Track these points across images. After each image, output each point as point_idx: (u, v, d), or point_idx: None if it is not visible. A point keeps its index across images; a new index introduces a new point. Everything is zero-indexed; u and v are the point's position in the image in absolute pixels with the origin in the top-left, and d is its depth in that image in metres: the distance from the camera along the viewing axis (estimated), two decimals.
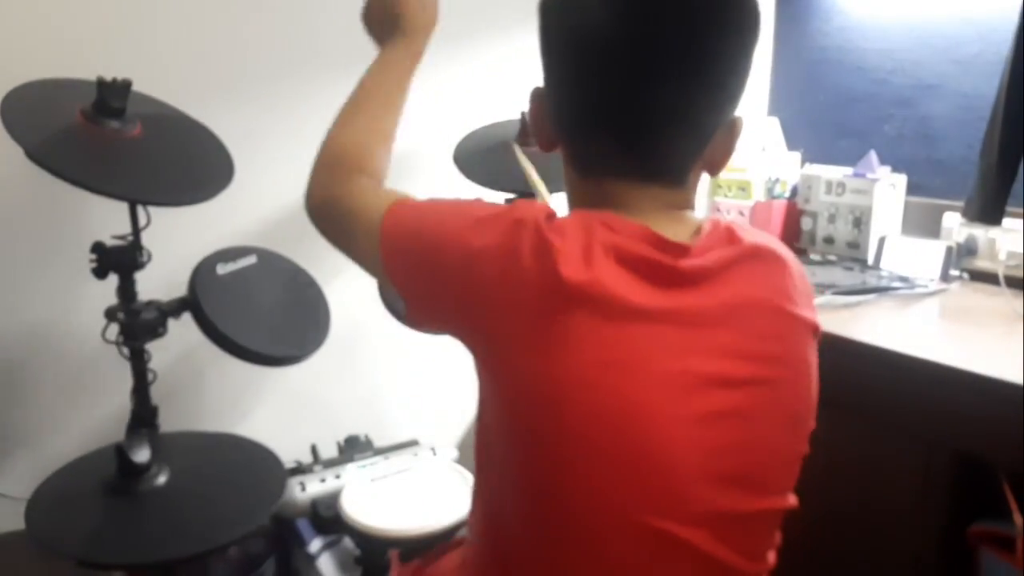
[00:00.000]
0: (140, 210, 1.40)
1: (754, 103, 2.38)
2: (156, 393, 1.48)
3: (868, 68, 2.11)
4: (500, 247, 0.71)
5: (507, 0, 1.93)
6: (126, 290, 1.40)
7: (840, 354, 1.19)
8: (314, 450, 1.85)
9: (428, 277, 0.77)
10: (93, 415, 1.69)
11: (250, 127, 1.71)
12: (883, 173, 1.92)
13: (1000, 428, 1.18)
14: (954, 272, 1.75)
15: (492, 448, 0.79)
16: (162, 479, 1.39)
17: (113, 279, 1.39)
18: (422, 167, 2.01)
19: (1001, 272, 1.63)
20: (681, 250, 0.74)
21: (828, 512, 1.29)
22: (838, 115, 2.19)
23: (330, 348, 1.56)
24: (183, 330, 1.43)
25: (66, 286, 1.62)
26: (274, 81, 1.79)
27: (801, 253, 2.08)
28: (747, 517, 0.80)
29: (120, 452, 1.36)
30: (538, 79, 0.83)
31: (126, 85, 1.34)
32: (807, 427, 0.84)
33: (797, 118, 2.26)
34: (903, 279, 1.72)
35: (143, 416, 1.46)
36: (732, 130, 0.79)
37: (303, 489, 1.71)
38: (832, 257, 1.98)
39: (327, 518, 1.65)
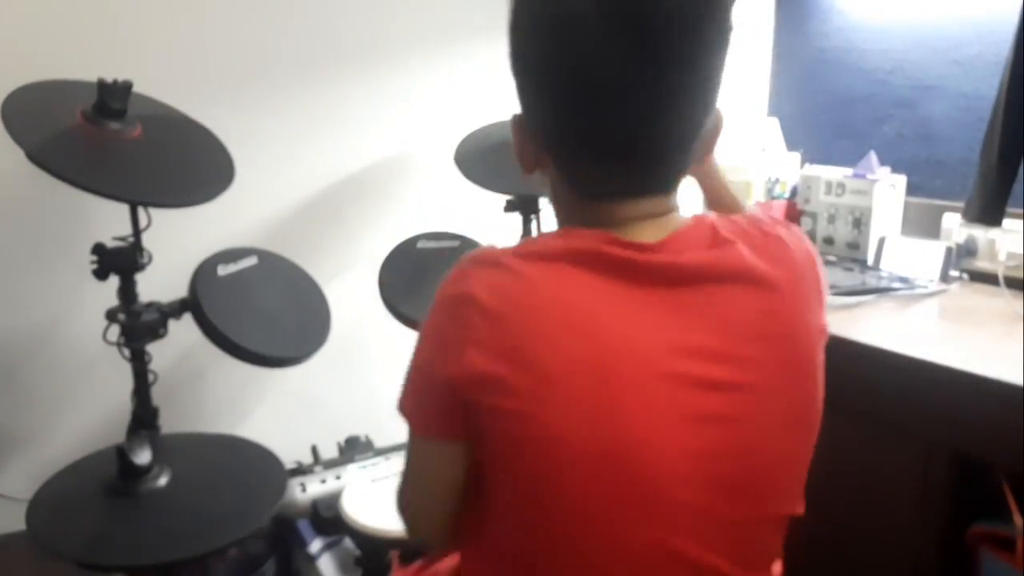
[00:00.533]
0: (141, 211, 1.40)
1: (754, 103, 2.39)
2: (157, 394, 1.48)
3: (868, 69, 2.11)
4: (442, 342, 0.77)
5: (507, 1, 1.93)
6: (127, 291, 1.40)
7: (840, 355, 1.18)
8: (314, 451, 1.85)
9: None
10: (94, 416, 1.69)
11: (250, 128, 1.71)
12: (883, 174, 1.92)
13: (1000, 429, 1.18)
14: (954, 273, 1.75)
15: (480, 459, 0.80)
16: (163, 480, 1.40)
17: (114, 280, 1.39)
18: (422, 168, 2.02)
19: (1001, 273, 1.63)
20: (647, 248, 0.75)
21: (828, 513, 1.29)
22: (838, 115, 2.19)
23: (330, 349, 1.56)
24: (184, 331, 1.44)
25: (67, 288, 1.63)
26: (275, 82, 1.80)
27: None
28: (745, 524, 0.79)
29: (121, 453, 1.36)
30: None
31: (127, 86, 1.34)
32: (811, 431, 0.83)
33: (797, 118, 2.26)
34: (903, 280, 1.72)
35: (144, 417, 1.46)
36: (715, 124, 0.80)
37: (303, 490, 1.71)
38: (832, 258, 1.98)
39: (327, 519, 1.65)
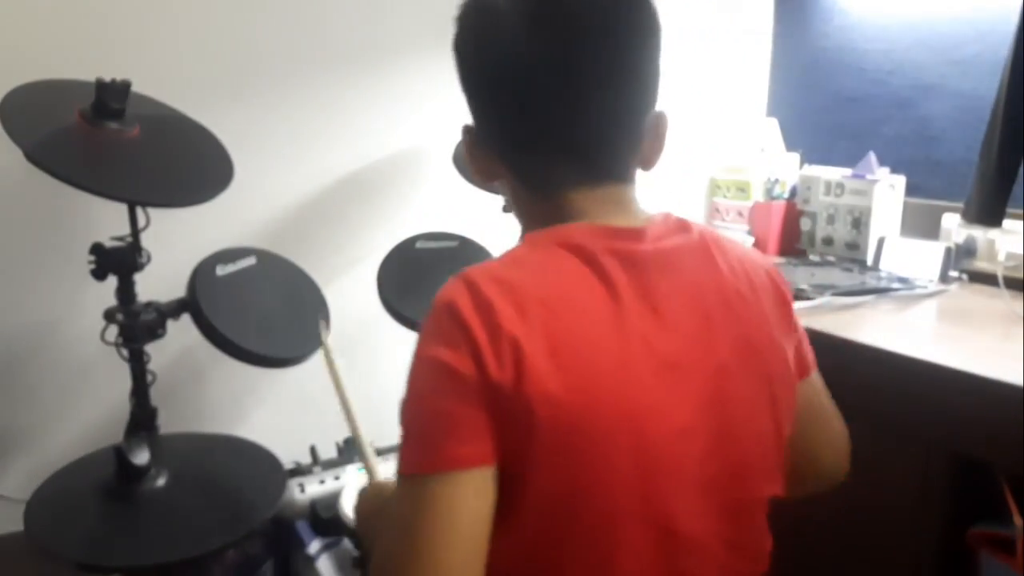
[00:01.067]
0: (139, 211, 1.40)
1: (753, 103, 2.39)
2: (155, 395, 1.48)
3: (867, 69, 2.11)
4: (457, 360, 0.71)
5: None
6: (125, 291, 1.39)
7: (839, 355, 1.19)
8: (313, 451, 1.84)
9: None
10: (92, 417, 1.69)
11: (249, 128, 1.71)
12: (882, 174, 1.92)
13: (999, 430, 1.18)
14: (953, 273, 1.76)
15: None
16: (161, 481, 1.39)
17: (112, 280, 1.39)
18: (421, 168, 2.01)
19: (1000, 273, 1.63)
20: (636, 234, 0.78)
21: (827, 514, 1.29)
22: (837, 116, 2.19)
23: None
24: (182, 331, 1.43)
25: (65, 288, 1.62)
26: (274, 82, 1.79)
27: (800, 254, 2.08)
28: (739, 505, 0.81)
29: (119, 454, 1.36)
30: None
31: (125, 86, 1.34)
32: (788, 408, 0.86)
33: (796, 119, 2.26)
34: (902, 280, 1.72)
35: (142, 418, 1.46)
36: (658, 125, 0.84)
37: (302, 490, 1.71)
38: (831, 258, 1.98)
39: (326, 519, 1.65)
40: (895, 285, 1.69)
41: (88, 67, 1.36)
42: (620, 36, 0.77)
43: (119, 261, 1.38)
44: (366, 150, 1.94)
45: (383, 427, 1.93)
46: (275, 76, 1.80)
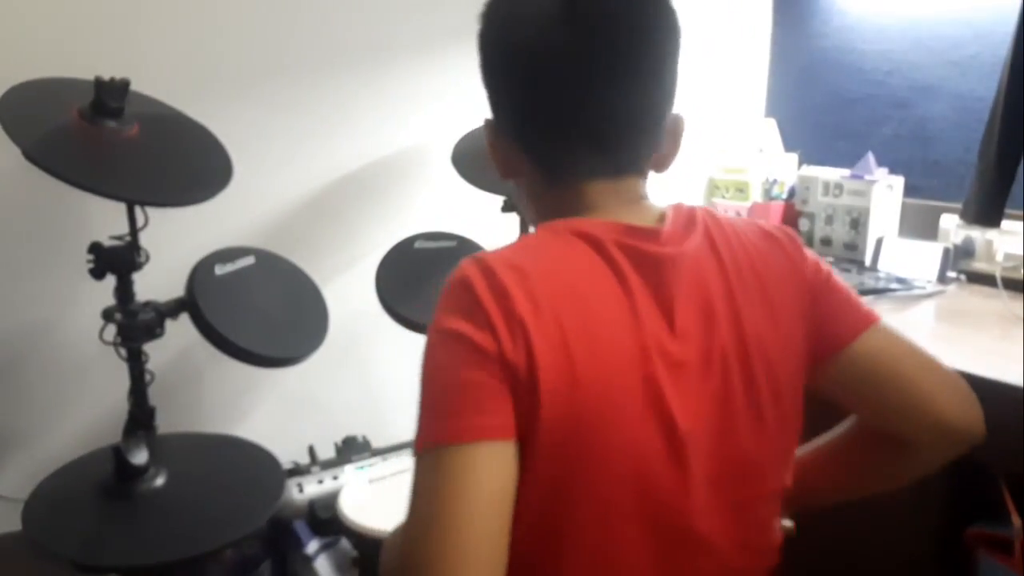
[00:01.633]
0: (138, 210, 1.40)
1: (752, 104, 2.39)
2: (154, 394, 1.48)
3: (866, 69, 2.11)
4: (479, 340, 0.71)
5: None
6: (124, 291, 1.39)
7: None
8: (312, 451, 1.84)
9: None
10: (90, 416, 1.69)
11: (249, 127, 1.71)
12: (880, 174, 1.93)
13: (998, 430, 1.18)
14: (951, 274, 1.76)
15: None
16: (159, 481, 1.39)
17: (111, 280, 1.38)
18: (420, 168, 2.01)
19: (998, 274, 1.63)
20: (653, 234, 0.78)
21: (825, 515, 1.29)
22: (836, 116, 2.19)
23: (328, 349, 1.56)
24: (181, 331, 1.43)
25: (63, 287, 1.62)
26: (273, 81, 1.79)
27: None
28: (744, 502, 0.81)
29: (117, 453, 1.36)
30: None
31: (124, 85, 1.34)
32: (795, 401, 0.85)
33: (795, 119, 2.26)
34: (900, 280, 1.73)
35: (140, 417, 1.46)
36: (676, 127, 0.85)
37: (301, 490, 1.71)
38: (830, 258, 1.98)
39: (325, 519, 1.65)
40: (893, 286, 1.69)
41: (87, 65, 1.36)
42: (647, 31, 0.79)
43: (117, 260, 1.37)
44: (365, 150, 1.94)
45: (381, 427, 1.94)
46: (274, 76, 1.79)
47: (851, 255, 1.95)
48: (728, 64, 2.35)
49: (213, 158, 1.47)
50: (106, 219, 1.39)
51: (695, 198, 2.34)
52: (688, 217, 0.83)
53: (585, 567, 0.76)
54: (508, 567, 0.69)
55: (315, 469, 1.77)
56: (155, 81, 1.49)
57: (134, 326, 1.38)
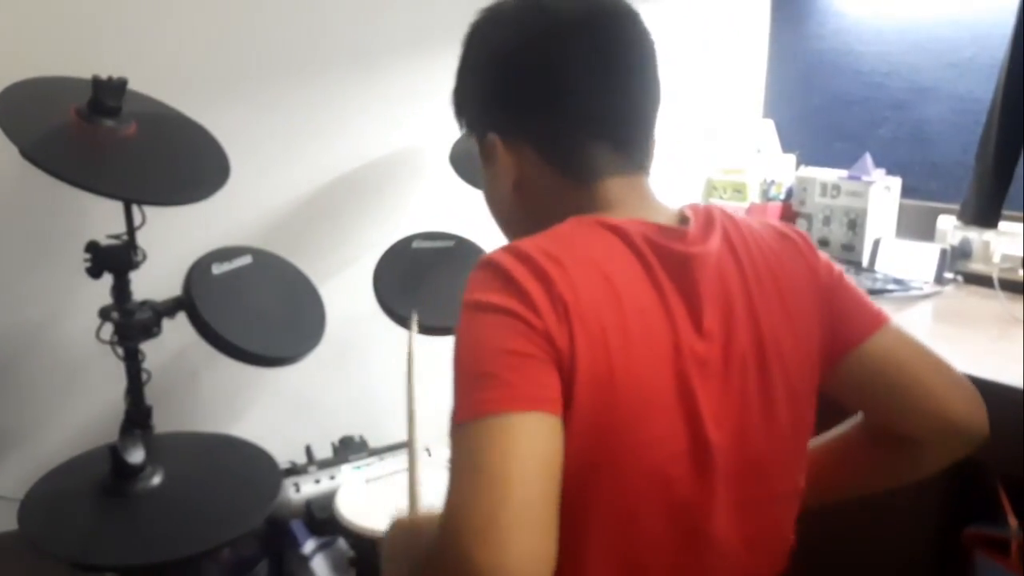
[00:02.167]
0: (135, 209, 1.40)
1: (750, 105, 2.39)
2: (150, 393, 1.48)
3: (863, 71, 2.12)
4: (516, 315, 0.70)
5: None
6: (121, 290, 1.39)
7: None
8: (308, 451, 1.84)
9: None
10: (87, 415, 1.69)
11: (246, 127, 1.71)
12: (878, 176, 1.93)
13: (995, 430, 1.18)
14: (948, 275, 1.76)
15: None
16: (156, 480, 1.39)
17: (108, 279, 1.38)
18: (418, 167, 2.01)
19: (995, 275, 1.64)
20: (680, 234, 0.78)
21: (823, 515, 1.29)
22: (833, 118, 2.20)
23: (325, 349, 1.56)
24: (178, 330, 1.43)
25: (60, 286, 1.62)
26: (271, 81, 1.79)
27: None
28: (758, 502, 0.82)
29: (114, 453, 1.36)
30: None
31: (121, 84, 1.34)
32: (809, 402, 0.86)
33: (792, 120, 2.26)
34: (898, 281, 1.73)
35: (137, 416, 1.46)
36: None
37: (297, 490, 1.71)
38: None
39: (321, 519, 1.65)
40: (891, 287, 1.70)
41: (84, 64, 1.36)
42: (646, 36, 0.85)
43: (115, 259, 1.37)
44: (363, 149, 1.94)
45: (378, 427, 1.93)
46: (272, 75, 1.79)
47: (848, 256, 1.95)
48: (727, 65, 2.35)
49: (210, 157, 1.47)
50: (103, 218, 1.39)
51: (693, 198, 2.34)
52: (707, 217, 0.83)
53: (606, 556, 0.76)
54: None
55: (312, 469, 1.77)
56: (153, 80, 1.49)
57: (131, 325, 1.38)
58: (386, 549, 0.91)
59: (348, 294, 1.83)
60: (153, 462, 1.39)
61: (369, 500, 1.63)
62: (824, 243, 2.00)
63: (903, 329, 0.90)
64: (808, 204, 2.03)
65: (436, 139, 1.89)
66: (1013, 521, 1.27)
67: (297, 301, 1.61)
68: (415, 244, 1.81)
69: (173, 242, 1.48)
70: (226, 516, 1.37)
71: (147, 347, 1.44)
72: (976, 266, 1.73)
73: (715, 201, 2.26)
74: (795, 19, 2.27)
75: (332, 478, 1.74)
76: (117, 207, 1.38)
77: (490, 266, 0.73)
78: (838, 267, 0.91)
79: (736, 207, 2.19)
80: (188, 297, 1.40)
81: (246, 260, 1.53)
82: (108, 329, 1.40)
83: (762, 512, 0.84)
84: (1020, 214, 1.71)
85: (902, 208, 1.98)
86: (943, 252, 1.76)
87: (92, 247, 1.36)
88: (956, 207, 1.73)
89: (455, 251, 1.82)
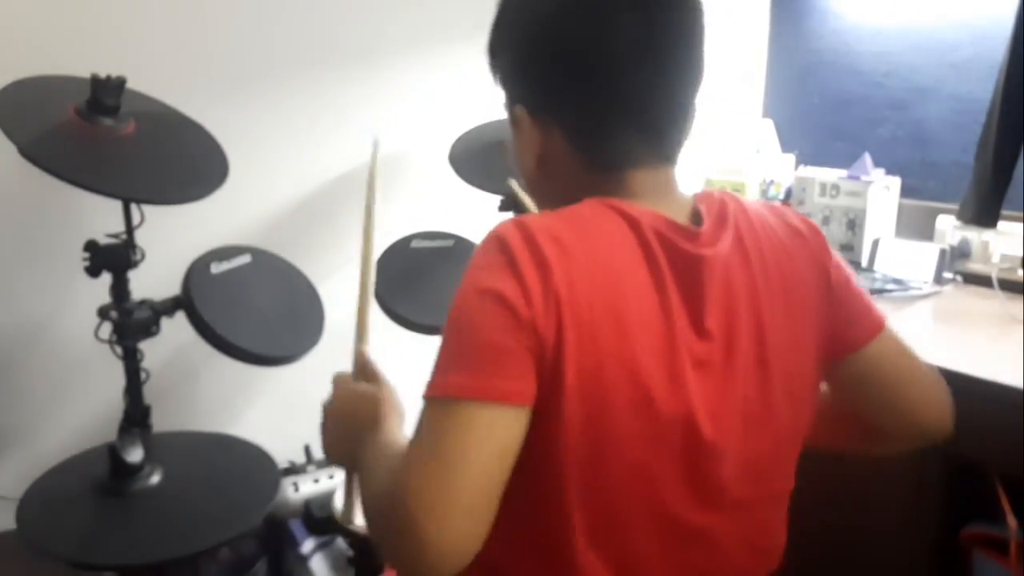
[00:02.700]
0: (134, 208, 1.40)
1: (749, 105, 2.39)
2: (149, 393, 1.48)
3: (863, 71, 2.11)
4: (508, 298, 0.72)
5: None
6: (119, 289, 1.39)
7: None
8: (307, 450, 1.84)
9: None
10: (85, 414, 1.68)
11: (245, 126, 1.70)
12: (877, 176, 1.93)
13: (993, 430, 1.19)
14: (948, 275, 1.76)
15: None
16: (155, 479, 1.39)
17: (106, 278, 1.38)
18: (416, 167, 2.01)
19: (994, 275, 1.63)
20: (692, 234, 0.78)
21: (822, 515, 1.30)
22: (832, 117, 2.20)
23: (324, 347, 1.56)
24: (176, 329, 1.43)
25: (59, 285, 1.62)
26: (270, 80, 1.79)
27: None
28: (754, 503, 0.82)
29: (112, 452, 1.36)
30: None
31: (120, 82, 1.34)
32: (807, 405, 0.86)
33: (792, 120, 2.26)
34: (897, 281, 1.73)
35: (136, 416, 1.46)
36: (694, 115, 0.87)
37: (296, 489, 1.71)
38: None
39: (320, 519, 1.65)
40: (890, 286, 1.69)
41: (83, 63, 1.36)
42: (686, 23, 0.81)
43: (113, 258, 1.37)
44: (362, 149, 1.92)
45: None
46: (271, 74, 1.79)
47: (847, 256, 1.95)
48: (726, 65, 2.35)
49: (209, 156, 1.47)
50: (102, 217, 1.39)
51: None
52: (720, 212, 0.81)
53: (595, 548, 0.76)
54: (521, 532, 0.75)
55: (311, 468, 1.77)
56: (151, 79, 1.49)
57: (129, 324, 1.38)
58: (331, 418, 1.04)
59: (347, 293, 1.82)
60: (152, 461, 1.39)
61: None
62: None
63: (897, 334, 0.92)
64: (807, 204, 2.03)
65: (436, 139, 1.89)
66: (1012, 521, 1.27)
67: (296, 300, 1.61)
68: (414, 243, 1.81)
69: (172, 241, 1.48)
70: (225, 515, 1.37)
71: (146, 346, 1.43)
72: (975, 266, 1.73)
73: None
74: (794, 19, 2.27)
75: (331, 477, 1.74)
76: (116, 206, 1.38)
77: (498, 241, 0.73)
78: (847, 267, 0.91)
79: None
80: (187, 296, 1.40)
81: (245, 259, 1.53)
82: (107, 328, 1.39)
83: (759, 511, 0.84)
84: (1019, 214, 1.70)
85: (901, 208, 1.97)
86: (942, 252, 1.76)
87: (91, 246, 1.36)
88: (955, 207, 1.73)
89: (454, 250, 1.82)
